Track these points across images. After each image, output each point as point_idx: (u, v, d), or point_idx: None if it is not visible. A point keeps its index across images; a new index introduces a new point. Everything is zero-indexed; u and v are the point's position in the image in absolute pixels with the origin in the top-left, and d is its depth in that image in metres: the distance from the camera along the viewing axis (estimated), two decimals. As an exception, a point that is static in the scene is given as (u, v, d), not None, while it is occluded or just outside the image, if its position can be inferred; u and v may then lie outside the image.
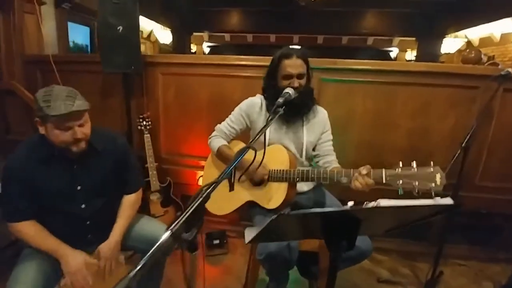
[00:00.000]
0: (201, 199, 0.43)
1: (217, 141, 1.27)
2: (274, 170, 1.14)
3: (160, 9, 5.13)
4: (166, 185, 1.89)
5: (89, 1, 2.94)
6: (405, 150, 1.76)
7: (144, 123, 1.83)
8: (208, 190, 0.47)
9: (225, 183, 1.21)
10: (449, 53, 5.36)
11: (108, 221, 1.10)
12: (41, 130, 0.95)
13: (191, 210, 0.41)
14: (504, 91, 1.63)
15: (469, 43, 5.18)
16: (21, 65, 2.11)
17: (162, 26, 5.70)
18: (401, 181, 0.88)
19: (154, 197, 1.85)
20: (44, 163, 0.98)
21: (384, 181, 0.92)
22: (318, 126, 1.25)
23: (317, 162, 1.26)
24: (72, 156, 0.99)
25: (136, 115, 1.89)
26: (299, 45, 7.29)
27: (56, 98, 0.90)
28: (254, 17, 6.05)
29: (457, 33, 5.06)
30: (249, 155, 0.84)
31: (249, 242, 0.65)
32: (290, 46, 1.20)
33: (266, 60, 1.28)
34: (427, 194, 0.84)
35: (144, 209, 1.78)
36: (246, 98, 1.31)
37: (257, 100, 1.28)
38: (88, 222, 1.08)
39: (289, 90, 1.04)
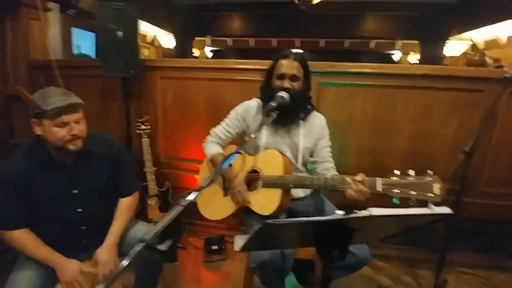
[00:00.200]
0: (176, 214, 0.42)
1: (212, 147, 1.26)
2: (268, 175, 1.12)
3: (163, 15, 5.20)
4: (165, 190, 1.88)
5: (94, 7, 2.99)
6: (407, 155, 1.73)
7: (143, 127, 1.83)
8: (184, 205, 0.45)
9: (219, 188, 1.19)
10: (453, 57, 5.29)
11: (103, 226, 1.10)
12: (38, 130, 0.96)
13: (166, 223, 0.40)
14: (510, 95, 1.59)
15: (474, 46, 5.11)
16: (26, 71, 2.16)
17: (166, 31, 5.78)
18: (397, 191, 0.85)
19: (152, 202, 1.84)
20: (41, 168, 0.99)
21: (379, 190, 0.89)
22: (315, 131, 1.23)
23: (315, 168, 1.23)
24: (68, 156, 1.00)
25: (135, 119, 1.89)
26: (301, 49, 7.30)
27: (51, 95, 0.94)
28: (256, 22, 6.09)
29: (461, 36, 4.99)
30: (245, 160, 0.82)
31: (241, 250, 0.63)
32: (293, 50, 1.20)
33: (264, 64, 1.28)
34: (423, 203, 0.81)
35: (142, 214, 1.77)
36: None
37: (253, 103, 1.27)
38: (83, 227, 1.08)
39: (283, 94, 1.02)
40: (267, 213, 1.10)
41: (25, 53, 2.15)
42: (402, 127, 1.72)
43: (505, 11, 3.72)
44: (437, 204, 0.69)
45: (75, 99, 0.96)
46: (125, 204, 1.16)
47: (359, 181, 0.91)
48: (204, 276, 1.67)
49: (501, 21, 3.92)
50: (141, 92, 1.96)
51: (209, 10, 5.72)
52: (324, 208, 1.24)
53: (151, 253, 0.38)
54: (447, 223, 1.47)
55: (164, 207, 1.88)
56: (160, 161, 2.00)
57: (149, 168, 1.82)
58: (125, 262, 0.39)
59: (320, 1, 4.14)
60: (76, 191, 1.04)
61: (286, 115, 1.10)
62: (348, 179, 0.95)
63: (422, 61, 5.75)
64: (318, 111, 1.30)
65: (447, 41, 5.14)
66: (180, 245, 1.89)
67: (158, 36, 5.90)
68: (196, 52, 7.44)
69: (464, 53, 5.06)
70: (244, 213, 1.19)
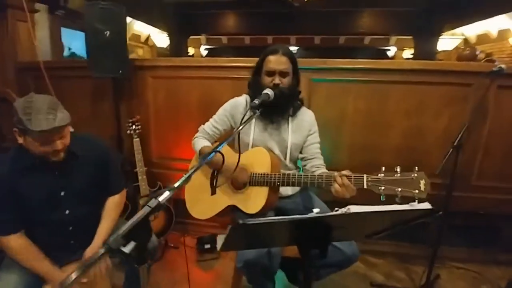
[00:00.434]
0: (143, 215, 0.41)
1: (200, 142, 1.25)
2: (255, 173, 1.11)
3: (156, 13, 5.16)
4: (156, 190, 1.86)
5: (83, 7, 2.95)
6: (400, 150, 1.72)
7: (134, 127, 1.81)
8: (152, 207, 0.45)
9: (207, 187, 1.18)
10: (446, 51, 5.32)
11: (91, 226, 1.10)
12: (20, 140, 0.94)
13: (132, 225, 0.39)
14: (498, 88, 1.59)
15: (466, 41, 5.13)
16: (14, 73, 2.13)
17: (159, 30, 5.73)
18: (383, 187, 0.85)
19: (144, 202, 1.83)
20: (27, 172, 0.98)
21: (365, 187, 0.88)
22: (304, 127, 1.22)
23: (304, 165, 1.22)
24: (51, 163, 0.99)
25: (126, 119, 1.87)
26: (296, 45, 7.29)
27: (37, 112, 0.88)
28: (251, 19, 6.06)
29: (454, 31, 5.02)
30: (232, 158, 0.80)
31: (221, 249, 0.62)
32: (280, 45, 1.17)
33: (255, 61, 1.26)
34: (409, 199, 0.80)
35: (133, 214, 1.76)
36: None
37: (242, 100, 1.26)
38: (70, 228, 1.08)
39: (268, 91, 1.01)
40: (254, 211, 1.09)
41: (13, 55, 2.11)
42: (395, 122, 1.71)
43: (496, 6, 3.75)
44: (422, 200, 0.69)
45: (61, 118, 0.90)
46: (113, 202, 1.16)
47: (344, 175, 0.90)
48: (196, 275, 1.67)
49: (492, 16, 3.95)
50: (132, 92, 1.94)
51: (203, 8, 5.68)
52: (313, 206, 1.22)
53: (114, 255, 0.37)
54: (435, 219, 1.47)
55: (157, 208, 1.87)
56: (152, 161, 1.99)
57: (141, 168, 1.80)
58: (83, 267, 0.38)
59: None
60: (63, 193, 1.04)
61: (272, 112, 1.08)
62: (334, 173, 0.95)
63: (416, 57, 5.77)
64: (310, 107, 1.29)
65: (441, 36, 5.16)
66: (171, 245, 1.89)
67: (152, 35, 5.86)
68: (191, 50, 7.40)
69: (457, 48, 5.09)
70: (232, 212, 1.18)
